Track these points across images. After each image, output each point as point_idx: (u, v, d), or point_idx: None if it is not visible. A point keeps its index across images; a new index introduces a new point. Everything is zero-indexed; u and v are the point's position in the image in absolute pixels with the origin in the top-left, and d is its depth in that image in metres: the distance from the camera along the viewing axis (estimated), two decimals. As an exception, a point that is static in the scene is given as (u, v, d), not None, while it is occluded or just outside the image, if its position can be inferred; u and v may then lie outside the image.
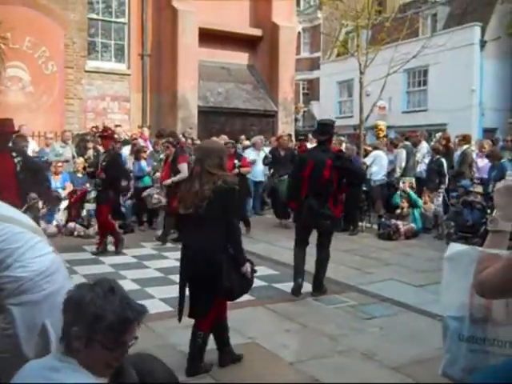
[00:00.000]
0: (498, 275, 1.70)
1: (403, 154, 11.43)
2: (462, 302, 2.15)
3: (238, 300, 6.08)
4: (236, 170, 9.48)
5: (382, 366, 4.39)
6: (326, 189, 6.09)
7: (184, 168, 8.62)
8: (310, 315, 5.59)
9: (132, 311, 1.79)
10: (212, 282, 3.88)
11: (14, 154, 6.04)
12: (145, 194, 9.60)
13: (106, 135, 8.52)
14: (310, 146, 11.96)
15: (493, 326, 2.13)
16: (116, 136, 12.39)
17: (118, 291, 1.82)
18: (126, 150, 11.68)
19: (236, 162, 9.80)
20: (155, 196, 9.29)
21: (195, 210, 3.88)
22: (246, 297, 6.05)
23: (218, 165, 3.95)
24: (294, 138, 15.49)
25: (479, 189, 9.46)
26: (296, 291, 6.06)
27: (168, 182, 8.83)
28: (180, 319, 4.07)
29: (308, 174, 6.13)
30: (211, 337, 4.21)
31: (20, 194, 5.86)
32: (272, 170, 11.66)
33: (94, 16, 14.98)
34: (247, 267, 4.04)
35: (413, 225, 10.29)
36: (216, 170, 3.91)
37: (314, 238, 6.38)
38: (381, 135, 16.28)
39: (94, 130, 12.27)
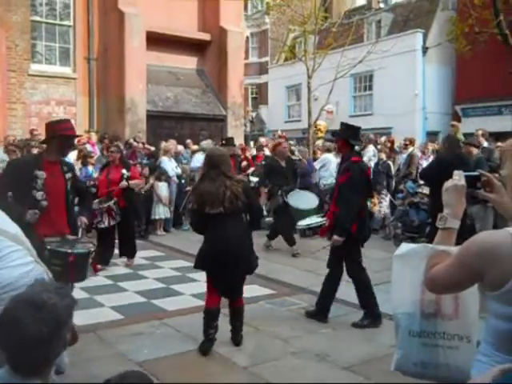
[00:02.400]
0: (447, 271, 1.76)
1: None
2: (413, 298, 2.22)
3: (188, 305, 6.08)
4: (124, 183, 7.76)
5: (334, 365, 4.44)
6: None
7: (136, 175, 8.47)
8: (263, 318, 5.61)
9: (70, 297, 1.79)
10: (247, 263, 4.71)
11: (65, 169, 4.64)
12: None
13: None
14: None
15: (442, 320, 2.20)
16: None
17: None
18: (72, 155, 11.40)
19: (124, 171, 7.87)
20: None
21: (226, 208, 4.47)
22: (198, 302, 6.05)
23: (231, 169, 4.78)
24: (243, 143, 15.53)
25: (426, 190, 9.74)
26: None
27: (124, 184, 7.88)
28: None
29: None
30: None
31: (68, 218, 4.62)
32: (270, 185, 8.98)
33: (37, 18, 14.55)
34: None
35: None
36: (231, 174, 4.68)
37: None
38: (319, 135, 16.54)
39: (35, 132, 11.93)
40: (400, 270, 2.27)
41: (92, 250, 4.41)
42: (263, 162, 11.15)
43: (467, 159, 7.10)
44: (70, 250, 4.13)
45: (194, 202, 4.73)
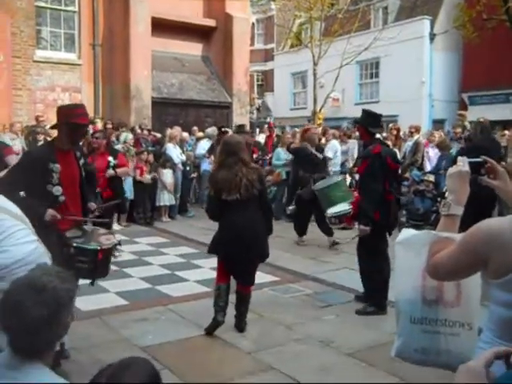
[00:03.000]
0: (450, 257, 1.75)
1: (355, 144, 11.64)
2: (415, 284, 2.22)
3: (192, 291, 6.12)
4: (110, 171, 7.28)
5: (338, 352, 4.46)
6: None
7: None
8: (267, 305, 5.63)
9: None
10: (260, 251, 4.81)
11: (78, 155, 4.41)
12: None
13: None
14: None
15: (444, 307, 2.20)
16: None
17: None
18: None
19: (110, 159, 7.40)
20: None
21: (242, 195, 4.56)
22: (202, 288, 6.08)
23: (247, 156, 4.90)
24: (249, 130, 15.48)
25: (431, 178, 9.71)
26: None
27: (111, 173, 7.39)
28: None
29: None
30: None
31: (83, 208, 4.37)
32: (301, 172, 8.48)
33: (42, 4, 14.49)
34: None
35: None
36: (249, 161, 4.80)
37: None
38: (318, 122, 16.48)
39: (41, 118, 11.95)
40: (402, 257, 2.27)
41: (116, 242, 4.18)
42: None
43: (500, 145, 7.18)
44: (99, 247, 3.91)
45: (211, 189, 4.80)
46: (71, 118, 4.07)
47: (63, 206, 4.01)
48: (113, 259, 7.32)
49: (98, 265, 3.90)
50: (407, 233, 2.31)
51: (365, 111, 5.74)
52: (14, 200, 3.24)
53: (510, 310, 1.61)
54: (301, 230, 8.67)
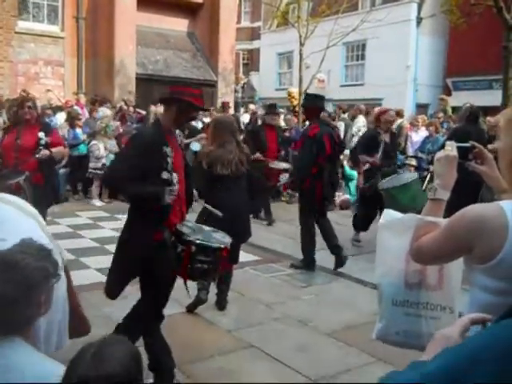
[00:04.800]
0: (434, 242, 1.77)
1: (342, 127, 11.67)
2: (398, 268, 2.23)
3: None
4: (45, 152, 5.52)
5: (316, 331, 4.54)
6: None
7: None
8: (248, 284, 5.68)
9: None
10: (244, 229, 4.92)
11: (179, 139, 3.91)
12: None
13: None
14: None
15: (426, 291, 2.23)
16: (46, 102, 11.96)
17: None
18: (60, 117, 11.28)
19: (41, 135, 5.61)
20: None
21: (233, 171, 4.70)
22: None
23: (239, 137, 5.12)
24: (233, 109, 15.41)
25: (413, 162, 9.79)
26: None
27: (45, 153, 5.65)
28: None
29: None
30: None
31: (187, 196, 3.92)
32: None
33: (25, -27, 14.18)
34: None
35: (348, 196, 10.57)
36: (240, 142, 4.96)
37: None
38: (294, 103, 16.38)
39: (24, 93, 11.74)
40: (385, 239, 2.28)
41: (230, 240, 3.69)
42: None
43: (484, 131, 7.26)
44: (222, 245, 3.51)
45: (205, 164, 4.81)
46: (186, 95, 3.55)
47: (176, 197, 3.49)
48: (93, 236, 7.31)
49: (218, 265, 3.53)
50: (390, 215, 2.32)
51: (311, 94, 6.65)
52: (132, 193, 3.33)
53: (491, 295, 1.64)
54: (360, 226, 7.50)
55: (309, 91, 16.66)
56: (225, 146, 4.74)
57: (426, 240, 1.80)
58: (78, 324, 2.34)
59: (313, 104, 6.47)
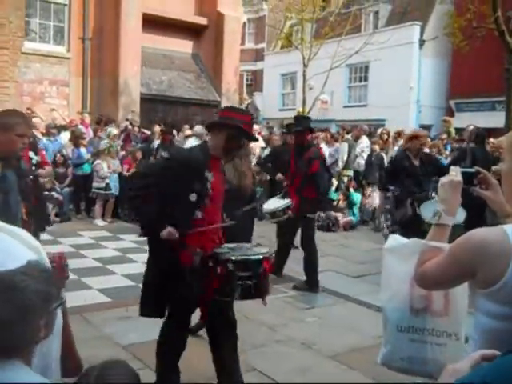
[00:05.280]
0: (438, 267, 1.75)
1: (345, 147, 11.69)
2: (403, 293, 2.21)
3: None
4: (42, 171, 5.49)
5: (320, 354, 4.48)
6: None
7: None
8: (250, 305, 5.61)
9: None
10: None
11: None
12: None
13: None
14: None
15: (432, 317, 2.20)
16: (51, 121, 12.02)
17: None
18: (64, 136, 11.34)
19: (32, 155, 5.43)
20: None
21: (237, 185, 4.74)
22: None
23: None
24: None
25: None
26: None
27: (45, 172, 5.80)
28: None
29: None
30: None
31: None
32: (398, 190, 6.84)
33: (31, -5, 14.36)
34: None
35: (351, 217, 10.56)
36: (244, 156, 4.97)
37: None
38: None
39: (29, 112, 11.83)
40: (390, 264, 2.26)
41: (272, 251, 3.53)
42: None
43: (489, 154, 7.26)
44: (261, 255, 3.34)
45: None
46: (236, 122, 3.34)
47: (205, 221, 3.36)
48: (96, 256, 7.28)
49: (264, 278, 3.37)
50: (395, 240, 2.30)
51: (301, 117, 6.57)
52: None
53: (495, 320, 1.62)
54: None
55: (312, 112, 16.80)
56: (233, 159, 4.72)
57: (430, 265, 1.78)
58: (69, 362, 2.27)
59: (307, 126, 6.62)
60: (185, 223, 3.28)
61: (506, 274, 1.57)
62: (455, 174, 1.91)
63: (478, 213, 5.57)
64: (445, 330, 2.20)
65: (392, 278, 2.25)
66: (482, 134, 7.21)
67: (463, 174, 1.93)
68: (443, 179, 1.93)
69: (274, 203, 6.81)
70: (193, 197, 3.25)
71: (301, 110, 17.32)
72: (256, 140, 4.87)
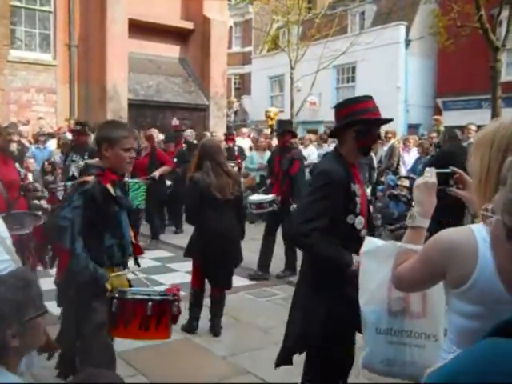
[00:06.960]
0: (412, 269, 1.76)
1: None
2: (381, 295, 2.22)
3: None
4: (35, 185, 5.77)
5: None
6: None
7: None
8: (242, 309, 5.63)
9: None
10: (235, 254, 5.01)
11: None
12: None
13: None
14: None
15: (410, 319, 2.21)
16: (39, 129, 11.97)
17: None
18: (51, 144, 11.29)
19: (19, 168, 5.34)
20: None
21: (223, 195, 4.77)
22: (177, 292, 6.03)
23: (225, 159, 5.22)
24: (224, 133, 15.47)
25: (406, 183, 9.82)
26: None
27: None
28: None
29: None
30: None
31: None
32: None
33: (17, 3, 14.29)
34: None
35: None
36: (226, 165, 5.02)
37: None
38: (270, 122, 16.38)
39: (20, 122, 11.76)
40: (368, 267, 2.26)
41: None
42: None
43: (466, 150, 7.29)
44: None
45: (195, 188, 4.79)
46: (361, 113, 2.81)
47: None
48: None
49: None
50: (372, 243, 2.30)
51: (282, 120, 6.89)
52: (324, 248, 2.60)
53: (466, 320, 1.64)
54: None
55: (301, 113, 16.84)
56: (215, 170, 4.81)
57: (404, 267, 1.79)
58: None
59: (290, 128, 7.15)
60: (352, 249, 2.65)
61: (473, 274, 1.58)
62: (430, 175, 1.90)
63: (457, 213, 5.60)
64: (423, 332, 2.20)
65: (369, 280, 2.25)
66: (454, 134, 7.34)
67: (439, 174, 1.92)
68: (418, 181, 1.92)
69: (259, 197, 7.31)
70: (350, 219, 2.75)
71: (272, 109, 17.31)
72: (390, 120, 3.17)
